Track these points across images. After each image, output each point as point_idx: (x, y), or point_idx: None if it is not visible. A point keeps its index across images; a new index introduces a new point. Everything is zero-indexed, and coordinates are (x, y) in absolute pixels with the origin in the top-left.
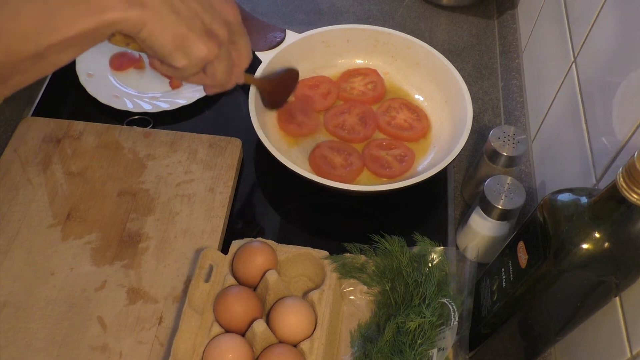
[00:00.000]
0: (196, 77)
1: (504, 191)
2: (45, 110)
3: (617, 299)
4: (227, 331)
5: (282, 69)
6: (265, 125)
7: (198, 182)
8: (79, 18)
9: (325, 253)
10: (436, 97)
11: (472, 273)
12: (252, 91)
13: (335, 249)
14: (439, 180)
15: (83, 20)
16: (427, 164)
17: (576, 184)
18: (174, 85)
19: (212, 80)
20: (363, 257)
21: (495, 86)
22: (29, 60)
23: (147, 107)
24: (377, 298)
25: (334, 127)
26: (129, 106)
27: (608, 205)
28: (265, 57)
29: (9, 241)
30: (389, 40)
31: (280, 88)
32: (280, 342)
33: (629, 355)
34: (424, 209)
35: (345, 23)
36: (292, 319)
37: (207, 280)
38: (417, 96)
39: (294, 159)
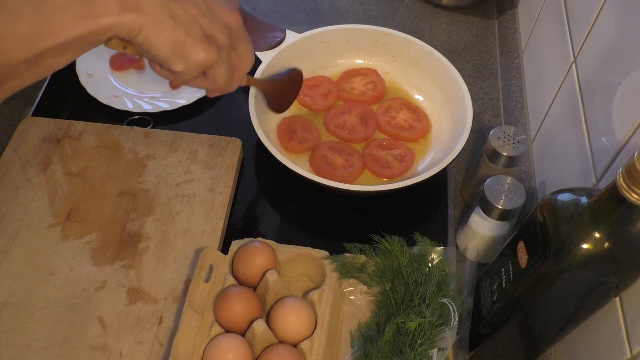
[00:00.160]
0: (197, 81)
1: (504, 191)
2: (45, 110)
3: (617, 299)
4: (227, 331)
5: (286, 70)
6: (265, 125)
7: (198, 182)
8: (74, 23)
9: (325, 253)
10: (436, 97)
11: (472, 273)
12: (252, 91)
13: (335, 249)
14: (439, 180)
15: (78, 25)
16: (427, 164)
17: (576, 184)
18: (174, 85)
19: (214, 84)
20: (363, 257)
21: (495, 86)
22: (25, 65)
23: (147, 107)
24: (377, 298)
25: (335, 128)
26: (129, 106)
27: (608, 205)
28: (265, 57)
29: (9, 241)
30: (389, 40)
31: (286, 90)
32: (280, 342)
33: (629, 355)
34: (424, 209)
35: (345, 23)
36: (292, 319)
37: (207, 280)
38: (417, 96)
39: (294, 159)
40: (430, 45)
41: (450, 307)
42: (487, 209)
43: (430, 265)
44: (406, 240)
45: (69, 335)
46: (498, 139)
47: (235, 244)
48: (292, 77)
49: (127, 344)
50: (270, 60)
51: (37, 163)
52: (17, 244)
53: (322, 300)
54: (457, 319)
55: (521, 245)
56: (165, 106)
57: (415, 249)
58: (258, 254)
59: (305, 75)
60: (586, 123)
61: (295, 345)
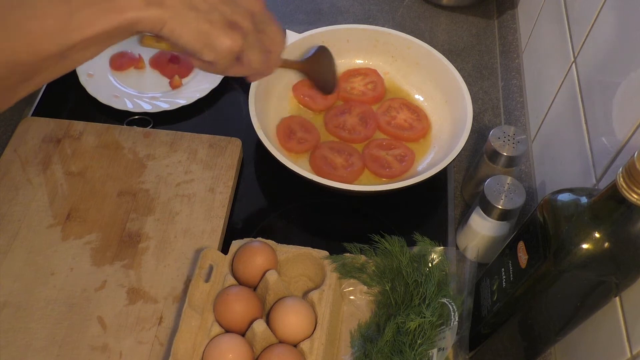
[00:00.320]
0: (234, 69)
1: (504, 191)
2: (45, 110)
3: (617, 299)
4: (227, 331)
5: (312, 49)
6: (265, 125)
7: (198, 182)
8: (100, 18)
9: (325, 253)
10: (436, 97)
11: (472, 273)
12: (252, 91)
13: (335, 249)
14: (439, 180)
15: (104, 20)
16: (427, 164)
17: (576, 184)
18: (174, 85)
19: (250, 70)
20: (363, 257)
21: (495, 86)
22: (52, 59)
23: (147, 107)
24: (377, 298)
25: (335, 128)
26: (129, 106)
27: (608, 205)
28: None
29: (9, 241)
30: (389, 40)
31: (322, 66)
32: (280, 342)
33: (629, 355)
34: (424, 209)
35: (345, 23)
36: (292, 319)
37: (207, 280)
38: (417, 96)
39: (294, 158)
40: (430, 45)
41: (450, 307)
42: (487, 209)
43: (430, 265)
44: (406, 240)
45: (69, 335)
46: (498, 139)
47: (235, 244)
48: (322, 53)
49: (127, 344)
50: None
51: (37, 163)
52: (17, 244)
53: (322, 300)
54: (457, 319)
55: (521, 245)
56: (165, 106)
57: (415, 249)
58: (258, 254)
59: None
60: (586, 123)
61: (295, 345)
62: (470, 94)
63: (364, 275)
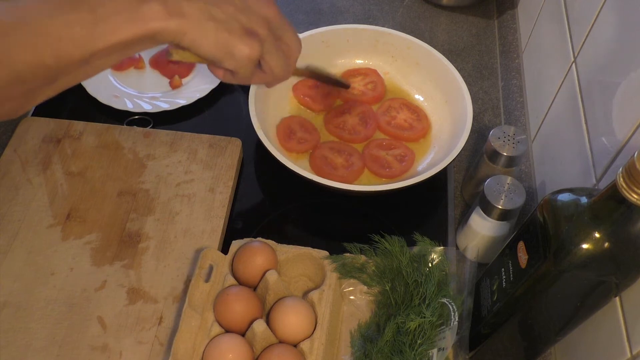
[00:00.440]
0: (256, 77)
1: (504, 191)
2: (45, 110)
3: (617, 299)
4: (227, 331)
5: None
6: (265, 125)
7: (198, 182)
8: (124, 27)
9: (325, 253)
10: (436, 97)
11: (472, 273)
12: (252, 91)
13: (335, 249)
14: (439, 180)
15: (128, 29)
16: (427, 164)
17: (576, 184)
18: (174, 85)
19: (272, 76)
20: (363, 257)
21: (495, 86)
22: (75, 64)
23: (147, 107)
24: (377, 298)
25: (335, 128)
26: (129, 106)
27: (608, 205)
28: None
29: (9, 241)
30: (389, 40)
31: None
32: (280, 342)
33: (629, 355)
34: (424, 209)
35: (345, 23)
36: (292, 319)
37: (207, 280)
38: (417, 96)
39: (294, 158)
40: (430, 45)
41: (450, 307)
42: (487, 209)
43: (430, 265)
44: (406, 240)
45: (69, 335)
46: (498, 139)
47: (235, 244)
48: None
49: (127, 344)
50: None
51: (37, 163)
52: (17, 244)
53: (322, 300)
54: (457, 319)
55: (521, 245)
56: (165, 106)
57: (415, 249)
58: (258, 254)
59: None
60: (586, 123)
61: (295, 345)
62: (470, 94)
63: (364, 275)
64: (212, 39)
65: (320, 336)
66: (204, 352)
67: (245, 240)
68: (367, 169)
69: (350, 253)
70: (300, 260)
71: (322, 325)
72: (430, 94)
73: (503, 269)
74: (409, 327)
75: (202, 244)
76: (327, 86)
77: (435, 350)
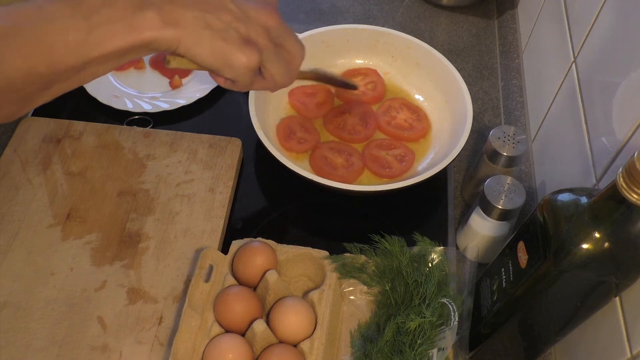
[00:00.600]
0: (258, 84)
1: (504, 191)
2: (45, 110)
3: (617, 299)
4: (227, 331)
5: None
6: (265, 125)
7: (198, 182)
8: (119, 36)
9: (325, 253)
10: (436, 97)
11: (472, 273)
12: (252, 92)
13: (335, 249)
14: (439, 180)
15: (122, 38)
16: (427, 164)
17: (576, 184)
18: (174, 85)
19: (273, 83)
20: (363, 257)
21: (495, 86)
22: (70, 71)
23: (147, 107)
24: (377, 298)
25: (335, 128)
26: (129, 106)
27: (608, 205)
28: None
29: (9, 241)
30: (389, 40)
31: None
32: (280, 342)
33: (629, 355)
34: (424, 209)
35: (345, 23)
36: (292, 319)
37: (207, 280)
38: (417, 96)
39: (294, 158)
40: (430, 45)
41: (450, 307)
42: (487, 209)
43: (430, 265)
44: (406, 240)
45: (69, 335)
46: (498, 139)
47: (235, 244)
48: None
49: (127, 344)
50: None
51: (37, 163)
52: (17, 244)
53: (322, 300)
54: (457, 319)
55: (521, 245)
56: (165, 106)
57: (415, 249)
58: (258, 254)
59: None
60: (586, 123)
61: (295, 345)
62: (470, 94)
63: (364, 275)
64: (208, 48)
65: (320, 336)
66: (204, 352)
67: (245, 240)
68: (367, 169)
69: (350, 253)
70: (300, 260)
71: (322, 325)
72: (430, 94)
73: (503, 269)
74: (409, 327)
75: (202, 244)
76: (322, 95)
77: (435, 350)
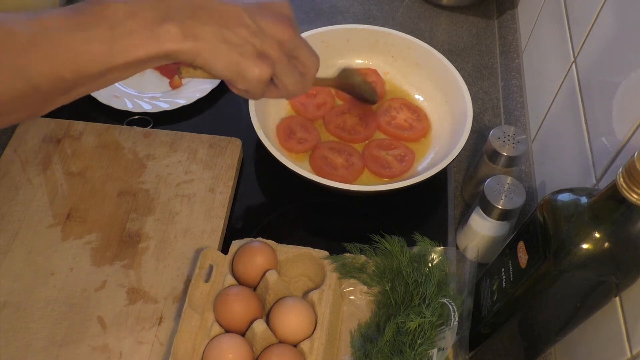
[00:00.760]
0: (271, 93)
1: (504, 191)
2: None
3: (617, 299)
4: (227, 331)
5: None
6: (265, 125)
7: (198, 182)
8: (141, 46)
9: (325, 253)
10: (436, 97)
11: (472, 273)
12: None
13: (335, 249)
14: (439, 180)
15: (144, 48)
16: (427, 164)
17: (576, 184)
18: (174, 85)
19: (286, 92)
20: (363, 257)
21: (495, 86)
22: (93, 77)
23: (147, 107)
24: (377, 298)
25: (335, 128)
26: (129, 106)
27: (608, 205)
28: None
29: (9, 241)
30: (389, 40)
31: (354, 80)
32: (280, 342)
33: (629, 355)
34: (424, 209)
35: (345, 23)
36: (292, 319)
37: (207, 280)
38: (417, 96)
39: (294, 159)
40: (430, 45)
41: (450, 307)
42: (487, 209)
43: (430, 265)
44: (406, 240)
45: (69, 335)
46: (498, 139)
47: (235, 244)
48: (346, 70)
49: (127, 344)
50: None
51: (37, 163)
52: (17, 244)
53: (322, 300)
54: (457, 319)
55: (521, 245)
56: (165, 106)
57: (415, 249)
58: (258, 254)
59: None
60: (586, 123)
61: (295, 345)
62: (470, 94)
63: (364, 275)
64: (225, 61)
65: (320, 336)
66: (204, 352)
67: (245, 240)
68: (367, 169)
69: (350, 253)
70: (300, 260)
71: (322, 325)
72: (430, 94)
73: (503, 269)
74: (409, 327)
75: (202, 244)
76: (323, 96)
77: (435, 350)
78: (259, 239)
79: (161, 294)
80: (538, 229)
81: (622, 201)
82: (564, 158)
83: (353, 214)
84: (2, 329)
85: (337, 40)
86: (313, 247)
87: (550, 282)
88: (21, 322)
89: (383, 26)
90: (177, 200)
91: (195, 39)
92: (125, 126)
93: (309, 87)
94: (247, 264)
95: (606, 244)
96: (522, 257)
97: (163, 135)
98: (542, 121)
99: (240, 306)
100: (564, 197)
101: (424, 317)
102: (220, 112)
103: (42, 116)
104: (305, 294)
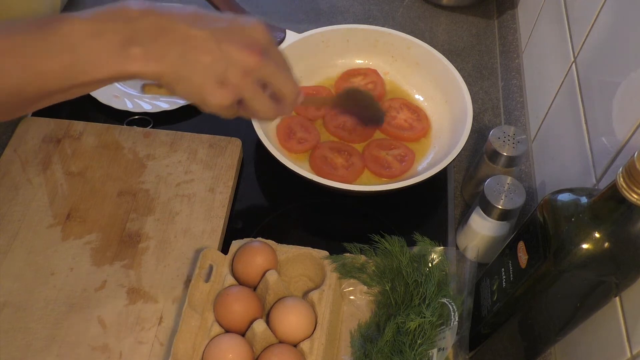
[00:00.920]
0: (244, 113)
1: (504, 191)
2: (45, 110)
3: (617, 299)
4: (227, 331)
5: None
6: (265, 126)
7: (198, 182)
8: (104, 67)
9: (325, 253)
10: (436, 97)
11: (472, 273)
12: None
13: (335, 249)
14: (439, 180)
15: (107, 69)
16: (427, 164)
17: (576, 184)
18: None
19: (258, 117)
20: (363, 257)
21: (495, 86)
22: (58, 92)
23: (147, 107)
24: (377, 298)
25: (335, 128)
26: (129, 106)
27: (608, 205)
28: None
29: (9, 241)
30: (389, 40)
31: (358, 100)
32: (280, 342)
33: (629, 355)
34: (424, 209)
35: (345, 23)
36: (292, 319)
37: (207, 280)
38: (417, 96)
39: (294, 159)
40: (430, 45)
41: (450, 307)
42: (487, 209)
43: (430, 265)
44: (406, 240)
45: (69, 335)
46: (498, 139)
47: (235, 244)
48: (351, 90)
49: (127, 344)
50: None
51: (37, 163)
52: (17, 244)
53: (322, 300)
54: (457, 319)
55: (521, 245)
56: (165, 106)
57: (415, 249)
58: (258, 254)
59: (306, 79)
60: (586, 123)
61: (295, 345)
62: (470, 94)
63: (364, 275)
64: (186, 86)
65: (320, 336)
66: (204, 352)
67: (245, 240)
68: (367, 169)
69: (350, 253)
70: (300, 260)
71: (322, 325)
72: (430, 94)
73: (503, 269)
74: (409, 327)
75: (202, 244)
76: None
77: (435, 350)
78: (259, 239)
79: (161, 294)
80: (538, 229)
81: (622, 201)
82: (564, 158)
83: (353, 214)
84: (2, 329)
85: (337, 40)
86: (313, 247)
87: (550, 282)
88: (21, 322)
89: (383, 26)
90: (177, 200)
91: (159, 61)
92: (125, 126)
93: (288, 111)
94: (247, 264)
95: (606, 244)
96: (522, 257)
97: (163, 135)
98: (542, 121)
99: (240, 306)
100: (564, 197)
101: (424, 317)
102: None
103: (42, 116)
104: (305, 294)
